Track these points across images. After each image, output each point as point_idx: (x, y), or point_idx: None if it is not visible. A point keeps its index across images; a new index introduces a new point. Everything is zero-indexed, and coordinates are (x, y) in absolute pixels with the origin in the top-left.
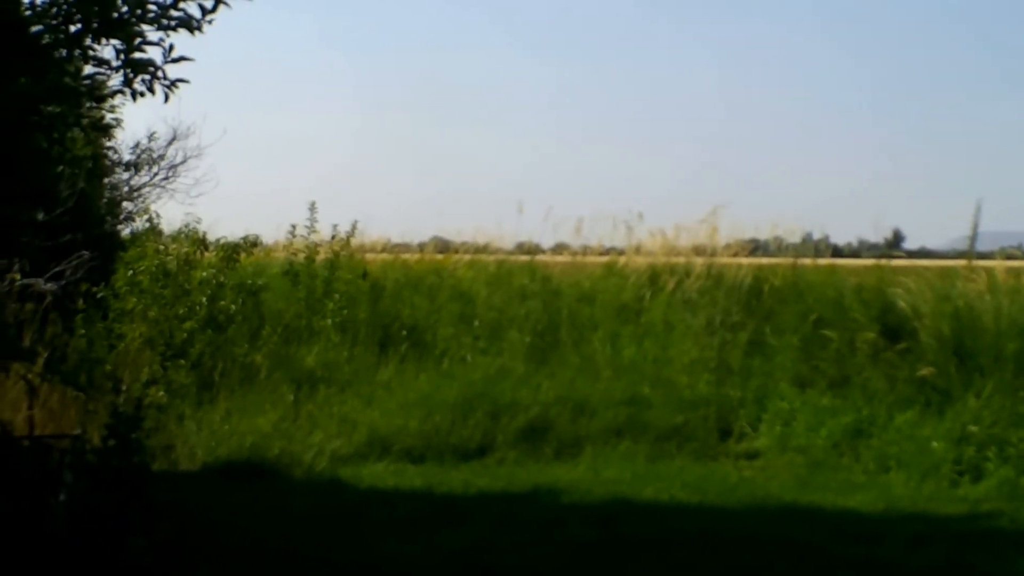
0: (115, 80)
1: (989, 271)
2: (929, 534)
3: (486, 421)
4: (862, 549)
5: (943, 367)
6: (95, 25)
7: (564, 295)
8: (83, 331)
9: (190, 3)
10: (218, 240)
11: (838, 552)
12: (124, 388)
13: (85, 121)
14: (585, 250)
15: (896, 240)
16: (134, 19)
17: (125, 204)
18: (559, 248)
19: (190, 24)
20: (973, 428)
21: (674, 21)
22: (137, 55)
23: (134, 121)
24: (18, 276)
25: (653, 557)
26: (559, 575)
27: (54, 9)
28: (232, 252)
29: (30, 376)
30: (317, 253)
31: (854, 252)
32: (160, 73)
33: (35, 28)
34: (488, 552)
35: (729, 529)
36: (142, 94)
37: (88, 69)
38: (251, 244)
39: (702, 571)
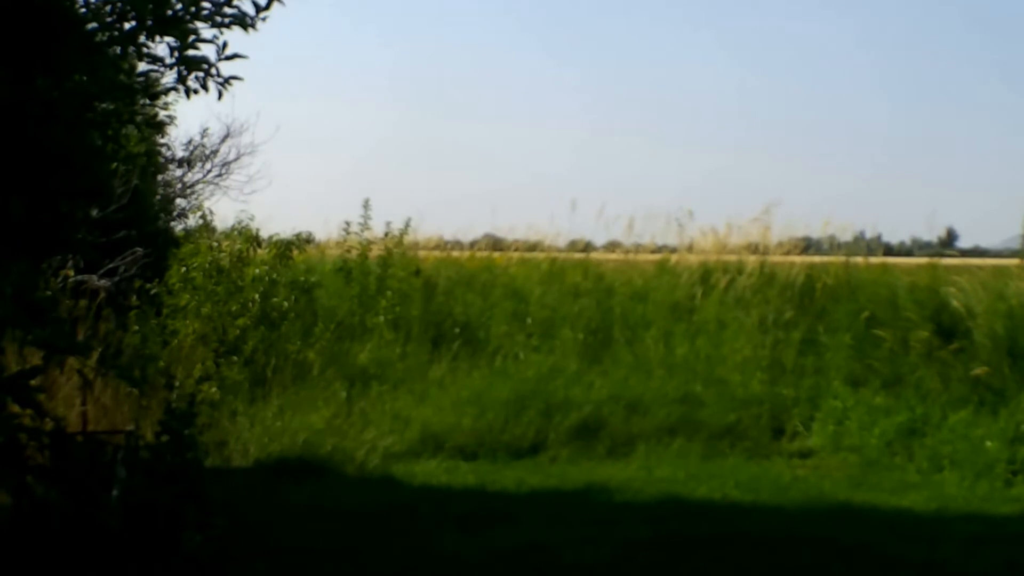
0: (169, 77)
1: None
2: (985, 535)
3: (539, 419)
4: (919, 550)
5: (997, 366)
6: (149, 22)
7: (617, 293)
8: (136, 327)
9: (244, 0)
10: (271, 237)
11: (895, 553)
12: (177, 384)
13: (139, 118)
14: (637, 248)
15: (949, 239)
16: (188, 16)
17: (178, 201)
18: (611, 246)
19: (244, 21)
20: None
21: (719, 19)
22: (191, 52)
23: (188, 118)
24: (72, 272)
25: (709, 556)
26: (614, 574)
27: (108, 7)
28: (285, 249)
29: (85, 371)
30: (370, 250)
31: (907, 251)
32: (214, 70)
33: (90, 26)
34: (543, 550)
35: (783, 529)
36: (196, 91)
37: (142, 66)
38: (304, 241)
39: (758, 571)
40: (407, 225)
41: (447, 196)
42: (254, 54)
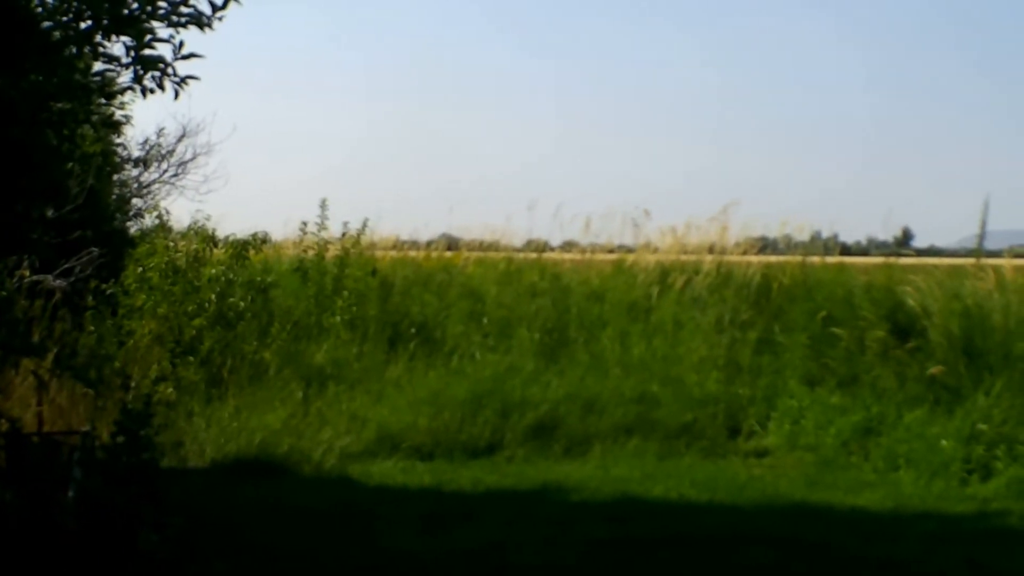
0: (125, 77)
1: (997, 269)
2: (942, 533)
3: (495, 419)
4: (879, 548)
5: (952, 365)
6: (105, 22)
7: (574, 293)
8: (92, 328)
9: (200, 0)
10: (228, 237)
11: (855, 552)
12: (133, 385)
13: (95, 118)
14: (594, 248)
15: (905, 238)
16: (144, 16)
17: (135, 201)
18: (568, 246)
19: (200, 21)
20: (982, 427)
21: (680, 19)
22: (147, 52)
23: (144, 118)
24: (27, 273)
25: (667, 556)
26: (573, 573)
27: (65, 6)
28: (242, 249)
29: (40, 371)
30: (327, 250)
31: (863, 250)
32: (170, 70)
33: (46, 24)
34: (501, 550)
35: (741, 528)
36: (152, 91)
37: (98, 66)
38: (261, 241)
39: (720, 571)
40: (364, 225)
41: (404, 197)
42: (211, 54)
